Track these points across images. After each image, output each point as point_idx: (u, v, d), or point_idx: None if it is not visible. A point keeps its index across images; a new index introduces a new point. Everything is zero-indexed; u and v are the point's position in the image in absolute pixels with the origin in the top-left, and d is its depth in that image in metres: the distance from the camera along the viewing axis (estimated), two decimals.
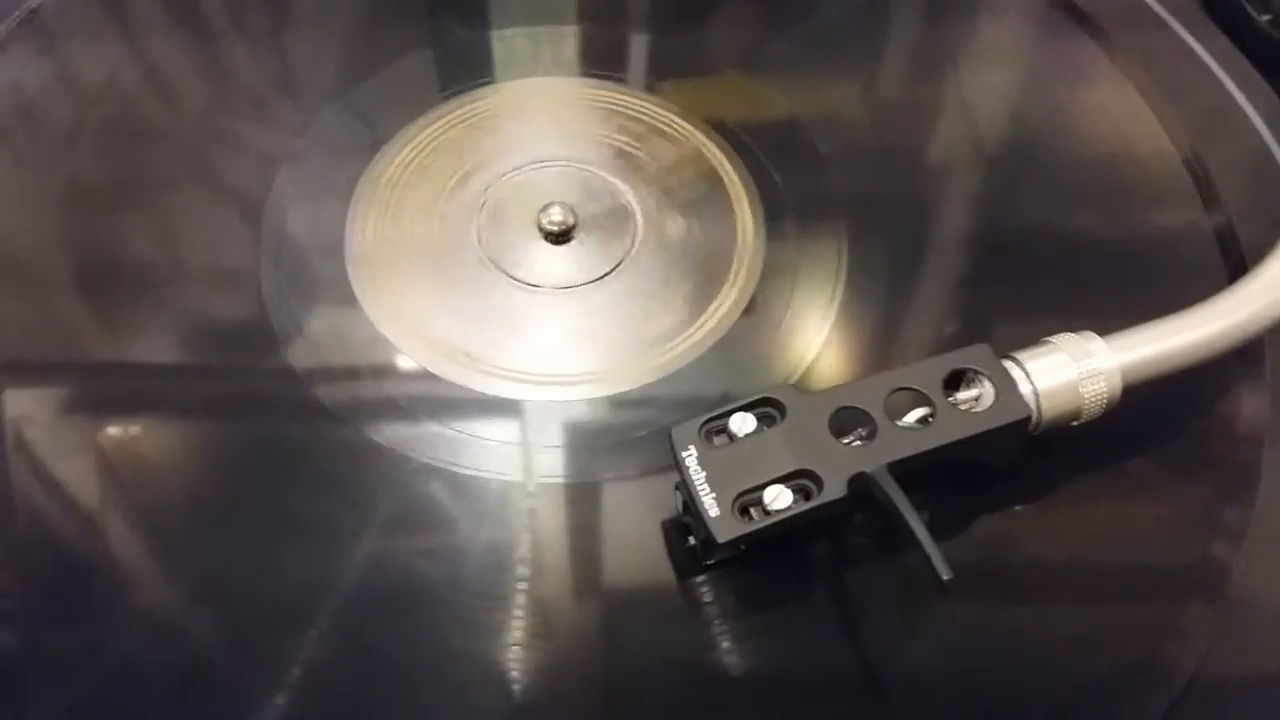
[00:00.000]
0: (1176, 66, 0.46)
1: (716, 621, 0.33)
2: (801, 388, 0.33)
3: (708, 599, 0.33)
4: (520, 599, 0.33)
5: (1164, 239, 0.42)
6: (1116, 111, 0.45)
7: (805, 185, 0.43)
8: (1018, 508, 0.35)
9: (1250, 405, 0.37)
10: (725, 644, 0.32)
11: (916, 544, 0.29)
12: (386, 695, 0.31)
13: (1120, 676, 0.32)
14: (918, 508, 0.30)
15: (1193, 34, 0.47)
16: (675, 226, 0.41)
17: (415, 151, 0.43)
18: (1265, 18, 0.48)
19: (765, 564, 0.33)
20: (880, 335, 0.39)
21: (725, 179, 0.43)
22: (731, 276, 0.40)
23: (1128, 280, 0.40)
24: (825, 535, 0.34)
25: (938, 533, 0.30)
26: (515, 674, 0.32)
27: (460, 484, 0.35)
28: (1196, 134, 0.44)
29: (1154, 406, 0.37)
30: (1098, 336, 0.34)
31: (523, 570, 0.34)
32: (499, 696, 0.31)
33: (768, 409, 0.32)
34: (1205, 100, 0.45)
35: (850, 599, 0.33)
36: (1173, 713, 0.31)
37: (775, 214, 0.42)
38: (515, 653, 0.32)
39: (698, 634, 0.33)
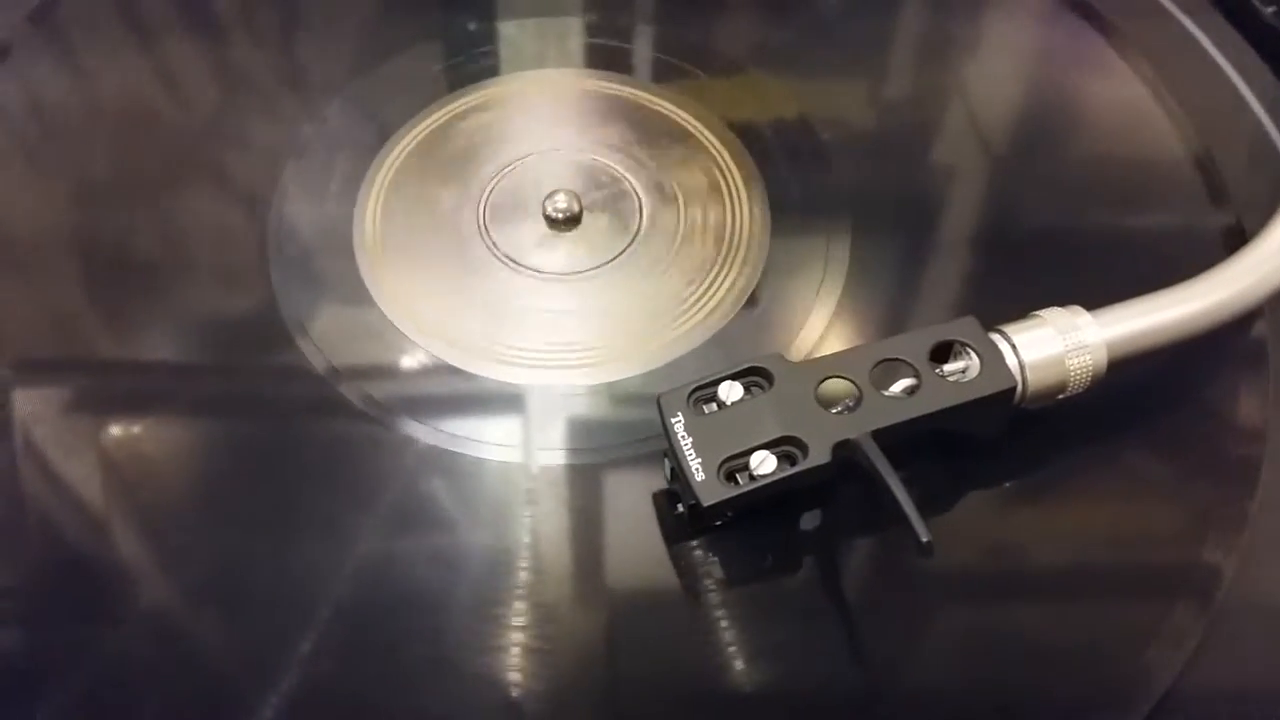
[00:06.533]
0: (1182, 58, 0.47)
1: (718, 604, 0.33)
2: (789, 358, 0.34)
3: (710, 581, 0.33)
4: (527, 582, 0.33)
5: (1167, 230, 0.42)
6: (1121, 103, 0.45)
7: (809, 177, 0.43)
8: (1006, 502, 0.36)
9: (1250, 403, 0.37)
10: (728, 636, 0.33)
11: (898, 510, 0.30)
12: (394, 684, 0.32)
13: (1097, 679, 0.32)
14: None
15: (1198, 25, 0.47)
16: (678, 215, 0.42)
17: (421, 142, 0.44)
18: (1271, 9, 0.48)
19: (763, 549, 0.34)
20: (882, 326, 0.40)
21: (728, 169, 0.43)
22: (733, 266, 0.41)
23: (1131, 272, 0.40)
24: (823, 527, 0.34)
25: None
26: (521, 666, 0.32)
27: (466, 468, 0.36)
28: (1201, 126, 0.44)
29: (1152, 401, 0.37)
30: (1085, 311, 0.34)
31: (530, 556, 0.34)
32: (506, 693, 0.32)
33: (756, 378, 0.33)
34: (1211, 92, 0.46)
35: (826, 598, 0.33)
36: None
37: (778, 205, 0.42)
38: (520, 637, 0.32)
39: (701, 617, 0.33)
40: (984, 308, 0.37)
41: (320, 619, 0.32)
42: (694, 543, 0.34)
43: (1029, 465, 0.36)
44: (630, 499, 0.35)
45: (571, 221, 0.41)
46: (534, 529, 0.35)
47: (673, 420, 0.32)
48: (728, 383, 0.33)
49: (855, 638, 0.33)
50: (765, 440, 0.31)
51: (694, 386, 0.33)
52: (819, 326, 0.39)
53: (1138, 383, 0.37)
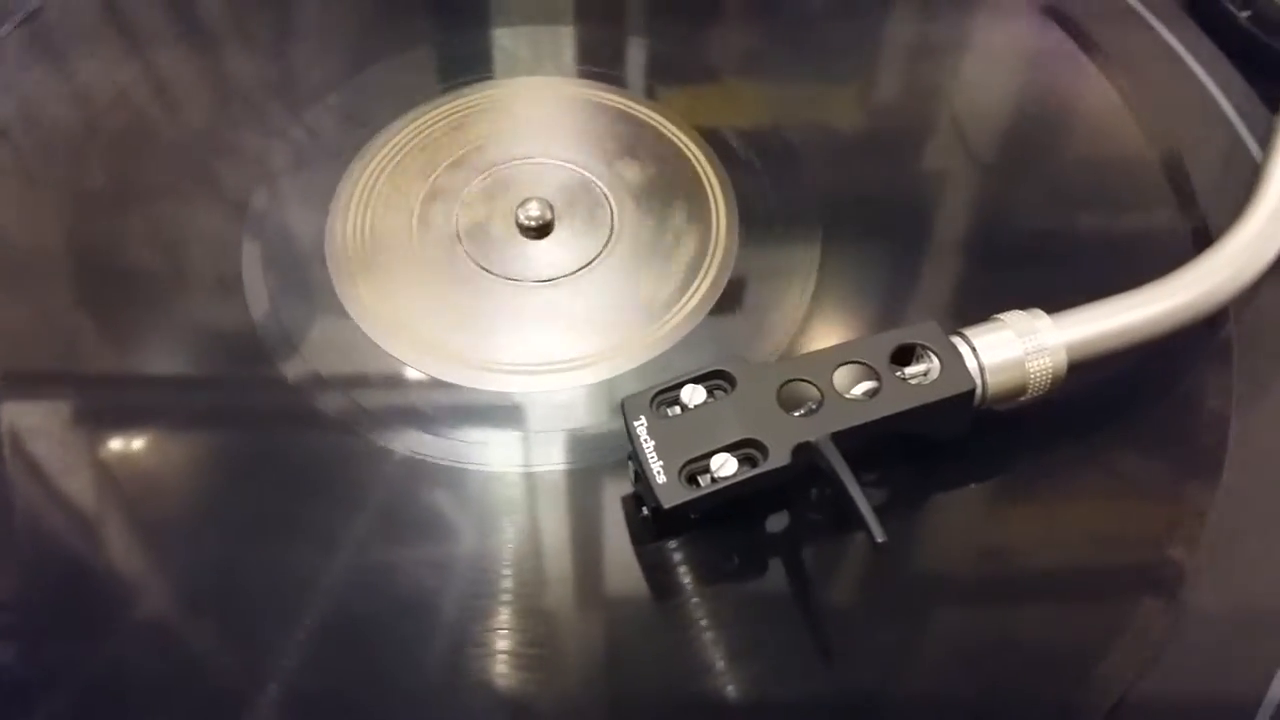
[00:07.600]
0: (1153, 62, 0.47)
1: (694, 606, 0.33)
2: (762, 360, 0.34)
3: (685, 583, 0.34)
4: (509, 588, 0.34)
5: (1139, 236, 0.42)
6: (1093, 107, 0.46)
7: (783, 186, 0.43)
8: (972, 502, 0.36)
9: (1215, 403, 0.37)
10: (704, 638, 0.33)
11: (855, 511, 0.30)
12: (381, 691, 0.32)
13: (1061, 677, 0.32)
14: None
15: (1172, 31, 0.48)
16: (652, 223, 0.42)
17: (398, 151, 0.44)
18: (1246, 14, 0.48)
19: (739, 551, 0.34)
20: (853, 329, 0.40)
21: (704, 177, 0.43)
22: (705, 273, 0.41)
23: (1101, 275, 0.40)
24: (799, 528, 0.34)
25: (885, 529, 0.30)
26: (512, 673, 0.32)
27: (443, 476, 0.36)
28: (1174, 132, 0.44)
29: (1118, 402, 0.37)
30: (1045, 314, 0.34)
31: (512, 563, 0.34)
32: (492, 698, 0.32)
33: (719, 381, 0.33)
34: (1183, 98, 0.46)
35: (799, 600, 0.34)
36: None
37: (751, 209, 0.42)
38: (507, 644, 0.33)
39: (676, 620, 0.33)
40: (954, 310, 0.38)
41: (309, 629, 0.33)
42: (671, 544, 0.34)
43: (994, 466, 0.36)
44: (608, 503, 0.35)
45: (544, 229, 0.42)
46: (515, 536, 0.35)
47: (635, 423, 0.32)
48: (690, 386, 0.33)
49: (824, 639, 0.33)
50: (727, 443, 0.32)
51: (657, 390, 0.33)
52: (791, 329, 0.39)
53: (1104, 384, 0.37)
